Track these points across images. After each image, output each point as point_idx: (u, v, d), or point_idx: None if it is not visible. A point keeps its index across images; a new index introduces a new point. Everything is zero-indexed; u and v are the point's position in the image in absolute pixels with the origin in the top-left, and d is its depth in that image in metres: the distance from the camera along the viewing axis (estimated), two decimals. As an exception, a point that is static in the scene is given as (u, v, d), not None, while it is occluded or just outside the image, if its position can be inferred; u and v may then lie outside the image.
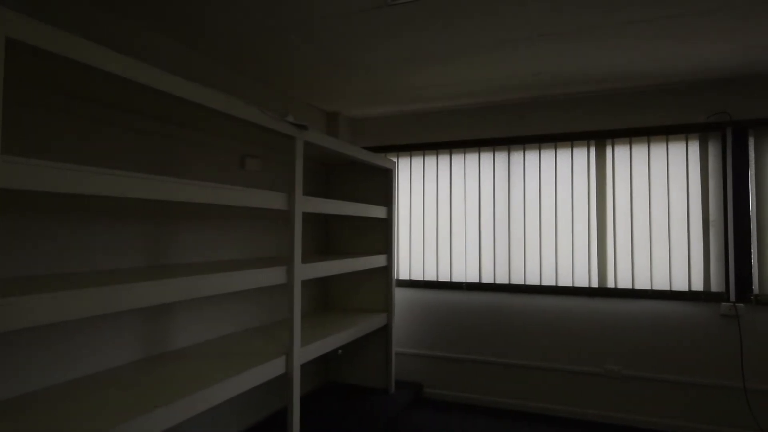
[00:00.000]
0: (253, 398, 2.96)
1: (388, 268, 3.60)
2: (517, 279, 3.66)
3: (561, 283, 3.54)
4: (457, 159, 3.89)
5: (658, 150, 3.36)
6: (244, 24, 2.35)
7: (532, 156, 3.67)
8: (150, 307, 2.23)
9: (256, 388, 2.98)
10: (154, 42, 2.40)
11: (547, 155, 3.63)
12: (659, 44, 2.62)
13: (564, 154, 3.59)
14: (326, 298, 3.81)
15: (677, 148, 3.33)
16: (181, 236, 2.42)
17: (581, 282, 3.49)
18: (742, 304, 3.14)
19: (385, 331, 3.60)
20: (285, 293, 3.21)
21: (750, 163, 3.15)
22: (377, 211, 3.40)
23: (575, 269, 3.51)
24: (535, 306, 3.63)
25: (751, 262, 3.13)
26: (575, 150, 3.56)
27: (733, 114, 3.19)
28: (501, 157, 3.76)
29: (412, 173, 4.02)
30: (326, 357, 3.78)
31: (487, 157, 3.80)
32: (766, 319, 3.10)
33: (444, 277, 3.87)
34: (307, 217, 3.58)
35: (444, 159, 3.92)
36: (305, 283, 3.54)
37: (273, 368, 2.21)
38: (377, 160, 3.40)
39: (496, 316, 3.74)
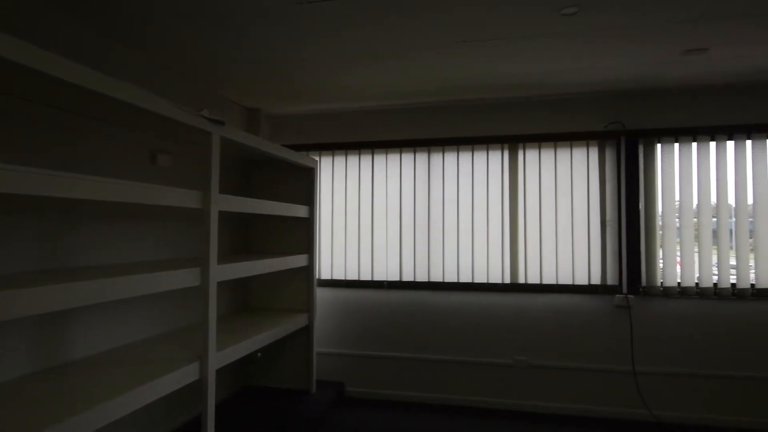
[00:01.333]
0: (171, 404, 2.81)
1: (309, 268, 3.57)
2: (436, 277, 3.78)
3: (477, 280, 3.71)
4: (379, 159, 3.94)
5: (564, 155, 3.63)
6: (162, 14, 2.22)
7: (450, 157, 3.81)
8: (50, 313, 2.04)
9: (173, 393, 2.83)
10: (66, 29, 2.20)
11: (465, 157, 3.78)
12: (564, 57, 2.83)
13: (480, 157, 3.76)
14: (246, 299, 3.70)
15: (580, 154, 3.61)
16: (86, 237, 2.24)
17: (495, 278, 3.68)
18: (632, 296, 3.47)
19: (306, 331, 3.57)
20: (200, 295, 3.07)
21: (640, 168, 3.49)
22: (299, 211, 3.36)
23: (490, 266, 3.69)
24: (453, 302, 3.77)
25: (640, 258, 3.47)
26: (491, 153, 3.74)
27: (627, 124, 3.52)
28: (421, 158, 3.86)
29: (335, 172, 4.01)
30: (246, 360, 3.68)
31: (408, 158, 3.88)
32: (651, 309, 3.46)
33: (365, 276, 3.90)
34: (226, 217, 3.46)
35: (366, 159, 3.96)
36: (223, 285, 3.42)
37: (185, 375, 2.11)
38: (299, 158, 3.35)
39: (416, 313, 3.83)
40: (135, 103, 1.81)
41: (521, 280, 3.65)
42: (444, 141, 3.79)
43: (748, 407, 3.29)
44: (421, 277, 3.81)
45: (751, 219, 3.34)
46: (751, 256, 3.34)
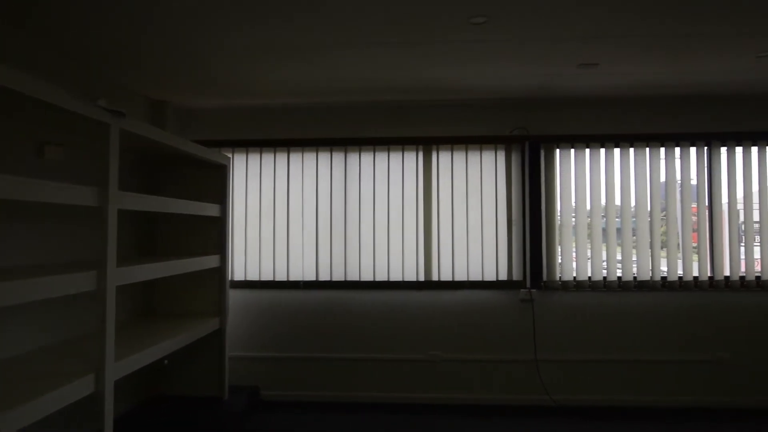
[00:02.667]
0: (72, 417, 2.55)
1: (221, 269, 3.43)
2: (353, 276, 3.80)
3: (392, 278, 3.78)
4: (296, 157, 3.88)
5: (474, 157, 3.80)
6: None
7: (367, 157, 3.84)
8: None
9: (73, 405, 2.57)
10: None
11: (381, 158, 3.84)
12: (474, 64, 2.97)
13: (396, 157, 3.83)
14: (153, 303, 3.48)
15: (489, 157, 3.81)
16: (-50, 238, 1.97)
17: (410, 276, 3.78)
18: (535, 290, 3.73)
19: (218, 335, 3.42)
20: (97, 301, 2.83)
21: (541, 172, 3.75)
22: (209, 209, 3.21)
23: (405, 265, 3.78)
24: (370, 301, 3.81)
25: (542, 255, 3.73)
26: (406, 154, 3.83)
27: (530, 130, 3.77)
28: (338, 157, 3.86)
29: (249, 170, 3.89)
30: (153, 368, 3.45)
31: (324, 157, 3.86)
32: (551, 302, 3.74)
33: (281, 277, 3.83)
34: (130, 216, 3.21)
35: (282, 157, 3.88)
36: (125, 289, 3.17)
37: (77, 389, 1.93)
38: (209, 155, 3.21)
39: (333, 312, 3.82)
40: (20, 90, 1.63)
41: (435, 277, 3.77)
42: (361, 141, 3.81)
43: (636, 387, 3.67)
44: (338, 277, 3.81)
45: (633, 219, 3.73)
46: (634, 252, 3.72)
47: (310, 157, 3.87)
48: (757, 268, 3.67)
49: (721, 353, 3.64)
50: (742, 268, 3.69)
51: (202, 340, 3.43)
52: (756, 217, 3.71)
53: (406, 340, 3.78)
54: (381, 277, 3.79)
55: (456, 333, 3.76)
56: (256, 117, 3.92)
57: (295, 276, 3.82)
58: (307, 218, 3.85)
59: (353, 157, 3.85)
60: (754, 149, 3.68)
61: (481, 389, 3.73)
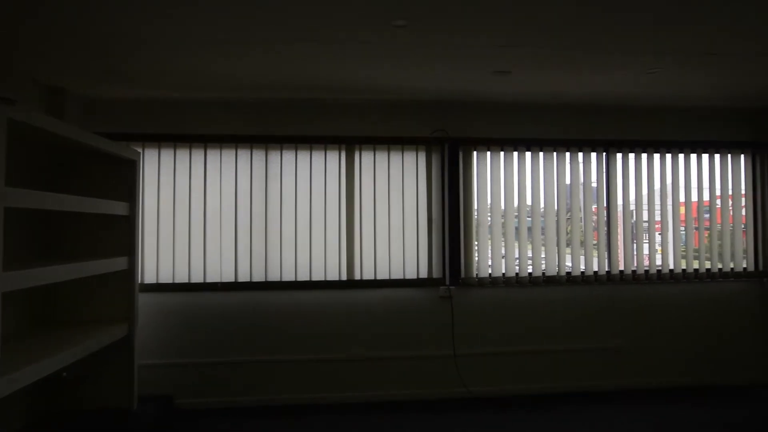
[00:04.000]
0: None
1: (130, 272, 3.20)
2: (274, 276, 3.72)
3: (315, 278, 3.75)
4: (213, 154, 3.72)
5: (396, 157, 3.87)
6: None
7: (289, 156, 3.78)
8: None
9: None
10: None
11: (303, 156, 3.79)
12: (396, 66, 3.02)
13: (318, 156, 3.80)
14: (51, 310, 3.17)
15: (410, 157, 3.89)
16: None
17: (332, 276, 3.77)
18: (454, 287, 3.87)
19: (126, 342, 3.20)
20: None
21: (460, 173, 3.90)
22: (116, 208, 2.99)
23: (327, 264, 3.76)
24: (291, 301, 3.75)
25: (460, 253, 3.88)
26: (329, 153, 3.81)
27: (450, 132, 3.90)
28: (258, 155, 3.75)
29: (162, 166, 3.67)
30: (52, 381, 3.15)
31: (244, 154, 3.74)
32: (469, 298, 3.90)
33: (197, 278, 3.65)
34: (27, 215, 2.90)
35: (198, 153, 3.70)
36: (16, 296, 2.87)
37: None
38: (117, 148, 2.99)
39: (253, 314, 3.72)
40: None
41: (357, 276, 3.79)
42: (282, 139, 3.74)
43: (546, 375, 3.92)
44: (258, 277, 3.71)
45: (542, 218, 3.99)
46: (543, 249, 3.98)
47: (228, 154, 3.73)
48: (646, 262, 4.08)
49: (618, 340, 4.00)
50: (635, 263, 4.08)
51: (109, 349, 3.18)
52: (645, 216, 4.11)
53: (328, 340, 3.77)
54: (303, 277, 3.74)
55: (378, 331, 3.81)
56: (171, 110, 3.71)
57: (213, 277, 3.67)
58: (226, 218, 3.71)
59: (274, 155, 3.77)
60: (644, 156, 4.07)
61: (403, 385, 3.81)
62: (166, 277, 3.63)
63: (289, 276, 3.73)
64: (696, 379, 4.04)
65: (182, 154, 3.69)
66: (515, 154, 3.95)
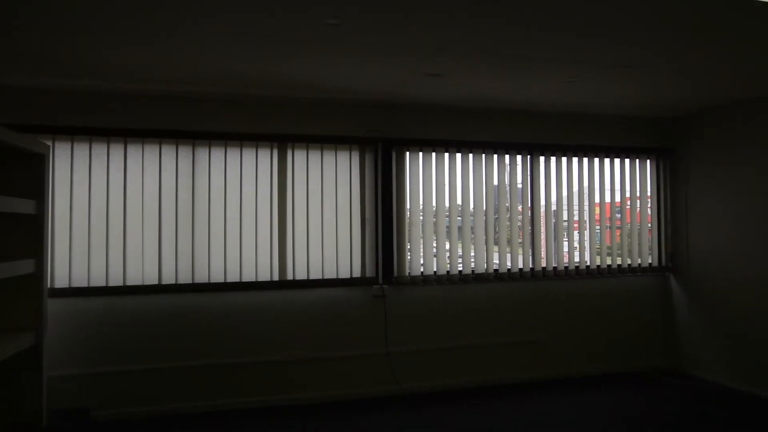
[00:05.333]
0: None
1: (37, 276, 2.94)
2: (201, 277, 3.57)
3: (245, 279, 3.64)
4: (135, 149, 3.51)
5: (329, 157, 3.85)
6: None
7: (218, 153, 3.64)
8: None
9: None
10: None
11: (233, 153, 3.67)
12: (330, 64, 3.01)
13: (249, 154, 3.70)
14: (-63, 320, 2.84)
15: (344, 157, 3.88)
16: None
17: (264, 276, 3.68)
18: (387, 285, 3.91)
19: (33, 352, 2.93)
20: None
21: (393, 173, 3.95)
22: (20, 206, 2.74)
23: (258, 264, 3.67)
24: (221, 303, 3.62)
25: (393, 252, 3.93)
26: (260, 151, 3.72)
27: (383, 132, 3.94)
28: (185, 151, 3.59)
29: (75, 161, 3.41)
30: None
31: (169, 151, 3.56)
32: (401, 296, 3.96)
33: (116, 282, 3.43)
34: None
35: (118, 148, 3.48)
36: None
37: None
38: (21, 141, 2.73)
39: (179, 318, 3.55)
40: None
41: (290, 276, 3.73)
42: (211, 135, 3.60)
43: (476, 369, 4.06)
44: (185, 279, 3.54)
45: (472, 218, 4.13)
46: (472, 247, 4.12)
47: (152, 150, 3.54)
48: (566, 259, 4.35)
49: (541, 333, 4.23)
50: (555, 260, 4.33)
51: (14, 360, 2.91)
52: (566, 216, 4.38)
53: (260, 342, 3.68)
54: (233, 278, 3.62)
55: (311, 332, 3.77)
56: (85, 101, 3.45)
57: (134, 280, 3.46)
58: (148, 217, 3.51)
59: (202, 152, 3.62)
60: (564, 159, 4.34)
61: (336, 385, 3.80)
62: (80, 281, 3.38)
63: (217, 277, 3.60)
64: (611, 366, 4.37)
65: (99, 149, 3.45)
66: (446, 155, 4.06)
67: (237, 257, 3.63)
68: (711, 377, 4.14)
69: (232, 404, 3.59)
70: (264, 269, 3.68)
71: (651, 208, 4.59)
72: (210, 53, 2.79)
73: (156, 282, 3.49)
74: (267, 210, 3.71)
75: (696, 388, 4.01)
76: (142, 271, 3.48)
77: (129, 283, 3.45)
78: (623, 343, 4.43)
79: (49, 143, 3.23)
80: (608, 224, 4.56)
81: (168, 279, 3.51)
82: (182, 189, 3.56)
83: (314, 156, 3.82)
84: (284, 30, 2.47)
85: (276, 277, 3.70)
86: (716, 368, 4.12)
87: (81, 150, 3.42)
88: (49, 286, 3.20)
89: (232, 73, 3.15)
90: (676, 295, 4.52)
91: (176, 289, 3.52)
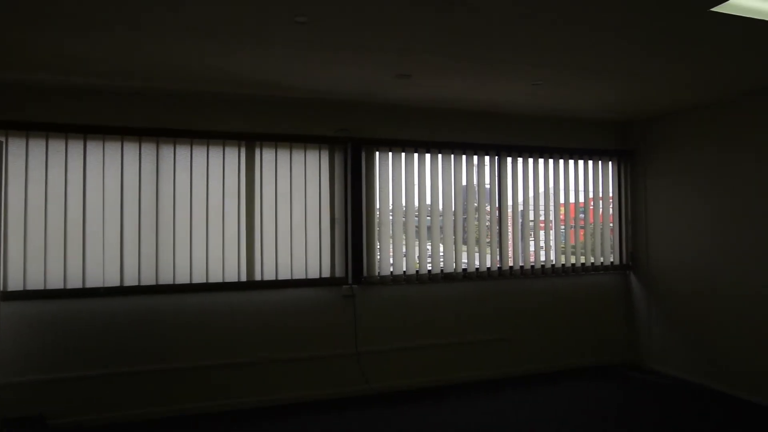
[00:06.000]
0: None
1: (-11, 278, 2.81)
2: (166, 279, 3.48)
3: (212, 280, 3.57)
4: (95, 146, 3.39)
5: (299, 156, 3.81)
6: None
7: (183, 151, 3.56)
8: None
9: None
10: None
11: (200, 152, 3.59)
12: (299, 62, 2.98)
13: (216, 153, 3.63)
14: None
15: (313, 156, 3.85)
16: None
17: (231, 277, 3.61)
18: (356, 285, 3.90)
19: (-16, 358, 2.80)
20: None
21: (362, 172, 3.95)
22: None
23: (225, 265, 3.60)
24: (186, 305, 3.53)
25: (362, 252, 3.93)
26: (227, 149, 3.65)
27: (353, 132, 3.93)
28: (149, 149, 3.49)
29: (30, 158, 3.26)
30: None
31: (132, 148, 3.45)
32: (371, 296, 3.96)
33: (74, 284, 3.30)
34: None
35: (77, 145, 3.35)
36: None
37: None
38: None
39: (143, 321, 3.45)
40: None
41: (258, 277, 3.67)
42: (175, 132, 3.51)
43: (445, 367, 4.09)
44: (148, 281, 3.44)
45: (441, 217, 4.17)
46: (441, 247, 4.16)
47: (113, 147, 3.42)
48: (532, 259, 4.44)
49: (508, 331, 4.31)
50: (522, 260, 4.42)
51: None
52: (532, 216, 4.48)
53: (227, 344, 3.61)
54: (199, 279, 3.54)
55: (280, 333, 3.73)
56: (43, 96, 3.31)
57: (94, 282, 3.34)
58: (110, 216, 3.39)
59: (167, 150, 3.52)
60: (530, 160, 4.43)
61: (306, 386, 3.76)
62: (35, 284, 3.23)
63: (183, 279, 3.51)
64: (575, 362, 4.49)
65: (56, 146, 3.31)
66: (416, 155, 4.09)
67: (203, 258, 3.55)
68: (668, 371, 4.31)
69: (199, 408, 3.51)
70: (231, 270, 3.61)
71: (613, 208, 4.74)
72: (176, 48, 2.72)
73: (117, 284, 3.38)
74: (234, 209, 3.64)
75: (654, 382, 4.16)
76: (103, 273, 3.36)
77: (89, 285, 3.33)
78: (587, 340, 4.56)
79: (2, 139, 3.09)
80: (572, 224, 4.69)
81: (130, 281, 3.41)
82: (145, 188, 3.46)
83: (283, 155, 3.77)
84: (252, 27, 2.44)
85: (244, 278, 3.64)
86: (673, 362, 4.29)
87: (37, 146, 3.28)
88: (1, 289, 3.07)
89: (199, 70, 3.08)
90: (636, 293, 4.69)
91: (139, 290, 3.42)
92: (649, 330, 4.53)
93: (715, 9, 2.27)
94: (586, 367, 4.49)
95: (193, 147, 3.58)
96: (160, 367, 3.46)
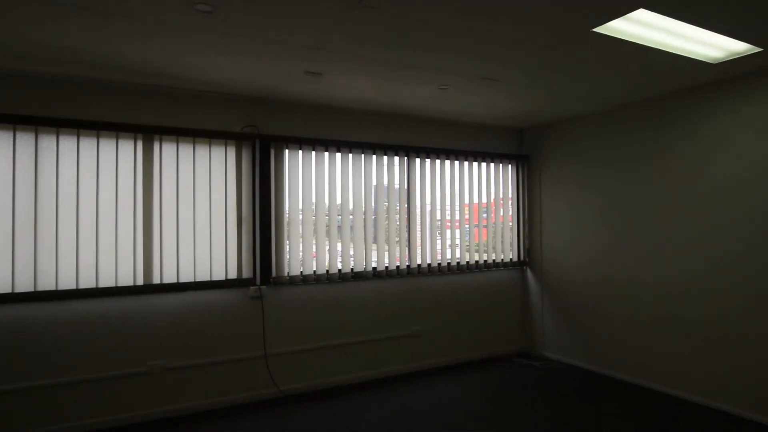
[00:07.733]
0: None
1: None
2: (47, 284, 3.13)
3: (102, 284, 3.28)
4: (-43, 135, 2.96)
5: (203, 152, 3.62)
6: None
7: (68, 143, 3.22)
8: None
9: None
10: None
11: (88, 144, 3.27)
12: (202, 53, 2.83)
13: (108, 146, 3.33)
14: None
15: (219, 152, 3.68)
16: None
17: (126, 281, 3.34)
18: (265, 286, 3.80)
19: None
20: None
21: (271, 170, 3.85)
22: None
23: (119, 268, 3.33)
24: (70, 313, 3.21)
25: (271, 252, 3.83)
26: (121, 142, 3.37)
27: (261, 128, 3.81)
28: (25, 139, 3.12)
29: None
30: None
31: (4, 137, 3.07)
32: (279, 296, 3.87)
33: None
34: None
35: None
36: None
37: None
38: None
39: (16, 332, 3.07)
40: None
41: (156, 280, 3.44)
42: (59, 122, 3.17)
43: (356, 365, 4.11)
44: (24, 287, 3.07)
45: (351, 216, 4.19)
46: (351, 246, 4.18)
47: (-20, 136, 3.01)
48: (439, 257, 4.62)
49: (418, 327, 4.44)
50: (429, 257, 4.57)
51: None
52: (439, 215, 4.65)
53: (121, 354, 3.33)
54: (87, 284, 3.23)
55: (182, 339, 3.52)
56: None
57: (-45, 290, 2.92)
58: (-24, 214, 2.98)
59: (48, 141, 3.17)
60: (438, 162, 4.60)
61: (211, 393, 3.59)
62: None
63: (67, 284, 3.18)
64: (479, 353, 4.74)
65: None
66: (326, 154, 4.06)
67: (93, 260, 3.25)
68: (558, 357, 4.71)
69: (88, 425, 3.20)
70: (126, 273, 3.34)
71: (512, 208, 5.07)
72: (62, 27, 2.45)
73: (-14, 291, 2.98)
74: (130, 207, 3.37)
75: (545, 368, 4.52)
76: (-33, 279, 2.95)
77: (-52, 293, 2.90)
78: (490, 332, 4.84)
79: None
80: (476, 223, 4.94)
81: (3, 287, 3.02)
82: (21, 183, 3.09)
83: (185, 150, 3.56)
84: (147, 10, 2.27)
85: (140, 281, 3.38)
86: (562, 349, 4.69)
87: None
88: None
89: (89, 54, 2.81)
90: (531, 287, 5.06)
91: (12, 298, 3.04)
92: (542, 321, 4.92)
93: (597, 30, 2.52)
94: (489, 358, 4.77)
95: (80, 138, 3.25)
96: (37, 384, 3.10)
